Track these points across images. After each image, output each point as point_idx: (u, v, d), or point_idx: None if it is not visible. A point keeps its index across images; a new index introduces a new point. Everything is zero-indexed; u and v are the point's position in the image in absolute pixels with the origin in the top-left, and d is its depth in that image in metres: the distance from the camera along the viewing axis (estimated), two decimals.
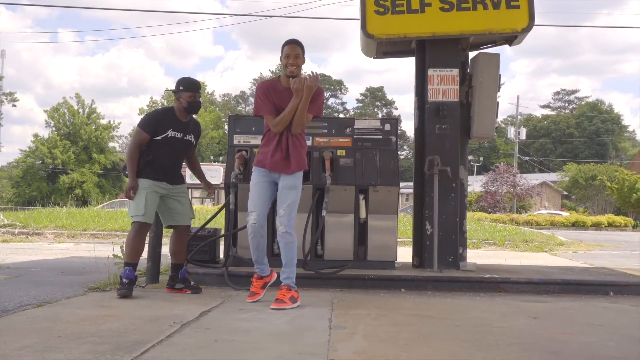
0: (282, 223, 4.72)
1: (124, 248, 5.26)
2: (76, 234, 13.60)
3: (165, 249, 6.17)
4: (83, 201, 33.37)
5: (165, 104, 64.05)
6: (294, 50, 4.73)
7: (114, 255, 5.77)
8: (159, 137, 5.14)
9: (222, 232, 6.38)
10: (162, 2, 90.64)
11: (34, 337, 3.42)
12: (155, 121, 5.21)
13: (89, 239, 13.00)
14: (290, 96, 4.69)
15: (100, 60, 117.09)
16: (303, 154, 4.87)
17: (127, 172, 5.15)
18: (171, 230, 5.47)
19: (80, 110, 56.83)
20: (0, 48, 64.28)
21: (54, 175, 53.86)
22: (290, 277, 4.73)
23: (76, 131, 55.21)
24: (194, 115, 5.44)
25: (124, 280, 4.99)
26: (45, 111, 57.77)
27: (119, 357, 2.97)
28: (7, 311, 4.26)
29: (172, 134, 5.18)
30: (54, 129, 56.44)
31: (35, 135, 56.51)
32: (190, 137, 5.34)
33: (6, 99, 64.41)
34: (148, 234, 5.58)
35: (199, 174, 5.65)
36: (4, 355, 2.95)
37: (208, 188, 5.78)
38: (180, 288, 5.31)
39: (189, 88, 5.22)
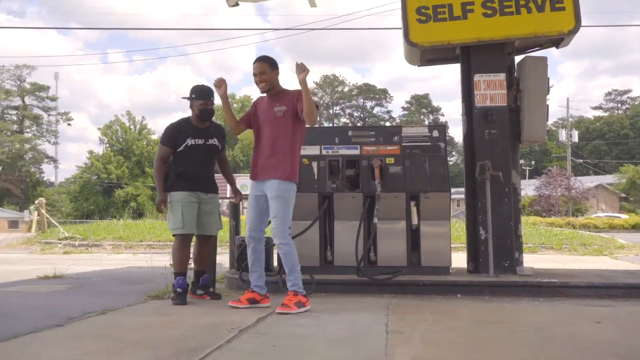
0: (275, 235, 4.79)
1: (171, 258, 5.38)
2: (133, 245, 13.94)
3: (220, 258, 6.30)
4: (138, 213, 34.12)
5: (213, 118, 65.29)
6: (259, 68, 4.91)
7: (170, 264, 5.85)
8: (181, 148, 5.26)
9: None
10: (206, 20, 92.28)
11: (99, 343, 3.53)
12: (171, 133, 5.33)
13: (146, 249, 13.30)
14: (265, 109, 4.94)
15: (149, 79, 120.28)
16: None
17: (166, 185, 5.30)
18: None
19: (132, 126, 58.61)
20: (54, 70, 66.86)
21: (110, 190, 55.58)
22: (296, 283, 4.78)
23: (129, 147, 56.91)
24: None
25: (178, 290, 5.14)
26: (99, 129, 59.99)
27: None
28: (72, 318, 4.40)
29: (191, 142, 5.27)
30: (107, 145, 58.37)
31: (90, 152, 58.65)
32: (214, 141, 5.41)
33: (61, 118, 66.90)
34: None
35: (229, 179, 5.80)
36: None
37: (235, 195, 5.86)
38: (201, 294, 5.43)
39: (200, 96, 5.33)
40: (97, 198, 55.29)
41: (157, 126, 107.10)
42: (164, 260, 6.76)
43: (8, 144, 60.82)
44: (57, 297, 5.76)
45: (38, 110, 65.19)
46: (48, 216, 17.09)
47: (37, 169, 65.00)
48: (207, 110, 5.35)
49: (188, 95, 5.39)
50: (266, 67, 4.90)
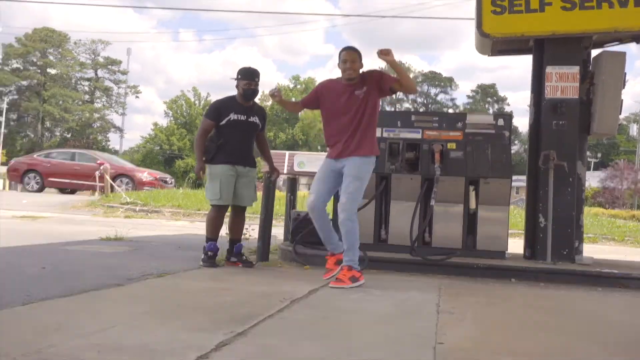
0: (343, 209, 4.80)
1: (206, 225, 5.70)
2: (191, 213, 14.26)
3: (275, 231, 6.38)
4: (197, 184, 34.92)
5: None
6: (351, 57, 4.93)
7: (226, 234, 6.00)
8: (224, 122, 5.50)
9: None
10: (276, 3, 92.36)
11: (156, 304, 3.66)
12: (216, 107, 5.61)
13: (202, 218, 13.53)
14: (341, 92, 4.94)
15: (217, 58, 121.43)
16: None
17: (207, 158, 5.55)
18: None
19: (197, 102, 59.83)
20: (127, 46, 68.58)
21: (171, 160, 57.04)
22: (352, 259, 4.80)
23: (192, 121, 58.23)
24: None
25: (209, 253, 5.53)
26: (165, 102, 61.48)
27: (232, 327, 3.07)
28: (131, 279, 4.56)
29: (234, 117, 5.51)
30: (171, 118, 59.99)
31: (155, 124, 60.42)
32: (255, 119, 5.63)
33: (130, 91, 68.77)
34: (259, 218, 5.97)
35: (267, 157, 6.01)
36: (130, 318, 3.17)
37: (273, 171, 6.05)
38: (234, 261, 5.66)
39: (245, 77, 5.57)
40: (158, 167, 56.71)
41: None
42: None
43: (79, 112, 63.19)
44: (118, 258, 5.97)
45: (109, 82, 67.31)
46: (112, 182, 17.65)
47: (104, 137, 67.19)
48: (250, 90, 5.57)
49: (235, 76, 5.63)
50: (356, 57, 4.95)
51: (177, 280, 4.69)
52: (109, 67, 66.40)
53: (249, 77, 5.57)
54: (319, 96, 5.13)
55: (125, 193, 16.63)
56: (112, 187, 17.48)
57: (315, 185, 5.05)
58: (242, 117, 5.55)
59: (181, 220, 13.20)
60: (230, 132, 5.50)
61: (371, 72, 5.02)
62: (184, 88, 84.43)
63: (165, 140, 57.11)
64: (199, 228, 9.87)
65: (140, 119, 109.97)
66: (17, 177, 20.54)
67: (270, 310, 3.58)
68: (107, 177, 17.40)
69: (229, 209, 5.67)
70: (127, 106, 69.51)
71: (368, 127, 4.93)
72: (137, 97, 72.78)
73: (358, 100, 4.91)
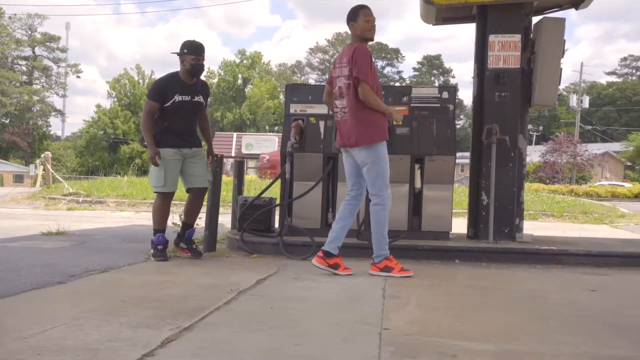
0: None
1: (152, 215, 5.50)
2: (137, 202, 14.01)
3: (222, 218, 6.32)
4: (143, 171, 34.19)
5: (222, 74, 64.76)
6: (373, 16, 4.78)
7: (173, 223, 5.93)
8: (168, 103, 5.27)
9: (278, 201, 6.45)
10: None
11: (100, 301, 3.58)
12: (161, 88, 5.34)
13: (149, 207, 13.29)
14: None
15: (161, 31, 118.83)
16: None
17: (144, 143, 5.34)
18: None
19: (141, 81, 58.18)
20: (65, 21, 66.05)
21: (116, 145, 55.62)
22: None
23: (136, 101, 56.61)
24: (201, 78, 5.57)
25: (159, 247, 5.30)
26: (107, 82, 59.50)
27: (179, 321, 3.06)
28: (74, 276, 4.46)
29: (179, 98, 5.29)
30: (115, 99, 58.14)
31: (98, 106, 58.40)
32: (199, 98, 5.44)
33: (71, 70, 66.58)
34: (205, 204, 5.77)
35: (207, 138, 5.76)
36: (73, 317, 3.10)
37: (209, 155, 5.69)
38: (183, 248, 5.53)
39: (193, 51, 5.32)
40: (102, 154, 55.44)
41: None
42: None
43: (17, 95, 60.67)
44: (60, 253, 5.82)
45: (48, 61, 64.81)
46: (53, 171, 17.15)
47: (45, 122, 65.04)
48: (198, 65, 5.36)
49: (179, 51, 5.38)
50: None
51: (122, 275, 4.61)
52: (47, 44, 63.91)
53: (196, 51, 5.33)
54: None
55: (67, 183, 16.19)
56: (53, 177, 16.99)
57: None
58: (187, 98, 5.32)
59: (126, 211, 12.95)
60: (174, 114, 5.29)
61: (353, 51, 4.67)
62: (127, 65, 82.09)
63: (109, 124, 55.45)
64: (145, 218, 9.70)
65: (82, 101, 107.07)
66: None
67: (217, 302, 3.58)
68: (49, 166, 16.89)
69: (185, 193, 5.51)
70: (68, 87, 67.45)
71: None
72: (78, 77, 70.74)
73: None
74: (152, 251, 5.37)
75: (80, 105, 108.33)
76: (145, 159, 52.28)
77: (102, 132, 56.54)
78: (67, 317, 3.11)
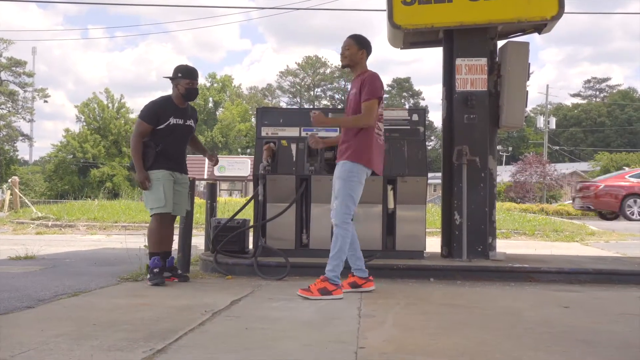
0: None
1: (147, 239, 5.36)
2: (108, 226, 13.81)
3: (195, 240, 6.26)
4: (114, 194, 33.81)
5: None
6: (345, 43, 4.93)
7: (145, 246, 5.84)
8: (162, 126, 5.23)
9: (251, 223, 6.43)
10: None
11: (70, 325, 3.51)
12: (155, 111, 5.29)
13: (120, 230, 13.20)
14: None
15: (130, 56, 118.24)
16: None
17: (132, 167, 5.25)
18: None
19: (110, 105, 57.69)
20: (32, 45, 65.31)
21: (85, 169, 54.86)
22: (334, 270, 4.76)
23: (106, 125, 56.07)
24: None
25: (155, 270, 5.15)
26: (76, 106, 58.82)
27: (152, 344, 3.02)
28: (43, 300, 4.37)
29: (174, 121, 5.28)
30: (84, 123, 57.43)
31: (67, 130, 57.63)
32: (190, 122, 5.45)
33: (38, 95, 65.65)
34: (179, 227, 5.71)
35: (201, 148, 5.81)
36: (42, 342, 3.03)
37: (211, 158, 5.74)
38: (168, 276, 5.34)
39: (188, 75, 5.32)
40: (72, 178, 54.56)
41: (136, 105, 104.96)
42: (138, 241, 6.71)
43: None
44: (29, 278, 5.69)
45: (14, 86, 63.78)
46: (21, 195, 16.84)
47: (12, 146, 63.78)
48: (193, 90, 5.36)
49: (172, 75, 5.35)
50: (352, 44, 4.89)
51: (93, 299, 4.53)
52: (13, 68, 62.88)
53: (191, 75, 5.32)
54: None
55: (36, 207, 15.90)
56: (21, 202, 16.68)
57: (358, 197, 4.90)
58: (180, 121, 5.31)
59: (97, 234, 12.75)
60: (167, 137, 5.24)
61: (365, 78, 4.82)
62: (96, 89, 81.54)
63: (79, 148, 54.71)
64: (116, 241, 9.58)
65: (50, 126, 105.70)
66: None
67: (191, 324, 3.54)
68: (17, 190, 16.59)
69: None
70: (35, 112, 66.33)
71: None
72: (45, 101, 69.51)
73: (351, 102, 4.89)
74: (148, 275, 5.24)
75: (48, 129, 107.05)
76: (116, 182, 51.79)
77: (72, 156, 55.73)
78: (36, 342, 3.05)
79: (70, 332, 3.32)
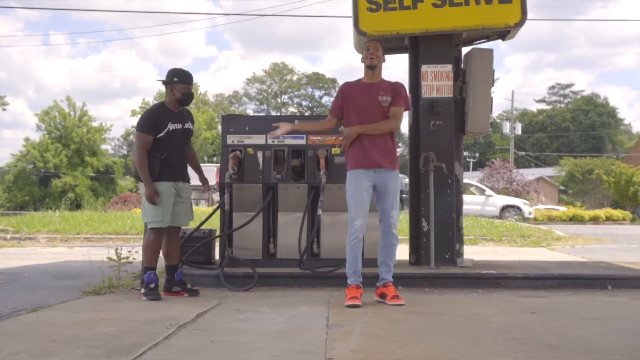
0: (394, 226, 4.91)
1: (142, 252, 5.21)
2: (70, 238, 13.48)
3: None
4: (76, 205, 33.08)
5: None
6: (374, 47, 4.95)
7: (108, 258, 5.73)
8: (162, 134, 5.09)
9: (217, 233, 6.34)
10: (154, 2, 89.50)
11: (29, 342, 3.40)
12: (153, 120, 5.15)
13: (83, 242, 12.91)
14: (366, 95, 4.91)
15: (92, 62, 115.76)
16: None
17: (140, 178, 5.08)
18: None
19: (72, 113, 56.39)
20: None
21: (46, 179, 53.51)
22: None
23: (68, 134, 54.76)
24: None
25: (150, 285, 5.02)
26: (36, 114, 57.29)
27: None
28: (1, 317, 4.22)
29: (172, 126, 5.15)
30: (45, 132, 55.90)
31: (27, 139, 55.99)
32: (189, 125, 5.33)
33: None
34: (144, 238, 5.56)
35: (196, 166, 5.59)
36: None
37: (204, 184, 5.60)
38: (178, 291, 5.22)
39: (183, 80, 5.23)
40: (32, 188, 53.21)
41: (100, 112, 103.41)
42: (101, 254, 6.55)
43: None
44: None
45: None
46: None
47: None
48: (189, 94, 5.27)
49: (166, 79, 5.24)
50: (380, 51, 4.96)
51: (53, 314, 4.39)
52: None
53: (187, 80, 5.23)
54: (342, 100, 4.99)
55: None
56: None
57: (359, 206, 4.82)
58: (179, 126, 5.19)
59: (59, 247, 12.42)
60: (169, 144, 5.09)
61: (392, 86, 4.97)
62: (58, 97, 79.64)
63: (39, 158, 53.36)
64: (79, 254, 9.36)
65: (9, 134, 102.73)
66: None
67: (155, 338, 3.47)
68: None
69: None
70: None
71: (392, 140, 4.95)
72: (4, 109, 67.70)
73: (383, 108, 4.88)
74: (142, 290, 5.07)
75: (7, 138, 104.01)
76: (79, 192, 50.75)
77: (32, 165, 54.36)
78: None
79: (30, 349, 3.22)
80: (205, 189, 5.62)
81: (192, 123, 5.43)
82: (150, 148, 5.07)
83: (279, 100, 79.77)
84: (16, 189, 53.46)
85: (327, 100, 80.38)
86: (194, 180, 5.51)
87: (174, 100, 5.22)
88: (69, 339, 3.45)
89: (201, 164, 5.80)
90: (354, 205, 4.82)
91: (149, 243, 5.12)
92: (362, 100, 4.91)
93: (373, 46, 4.95)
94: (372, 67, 4.92)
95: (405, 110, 4.99)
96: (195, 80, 5.48)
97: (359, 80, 5.05)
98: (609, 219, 29.25)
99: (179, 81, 5.20)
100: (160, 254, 5.24)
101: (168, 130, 5.11)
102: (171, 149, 5.12)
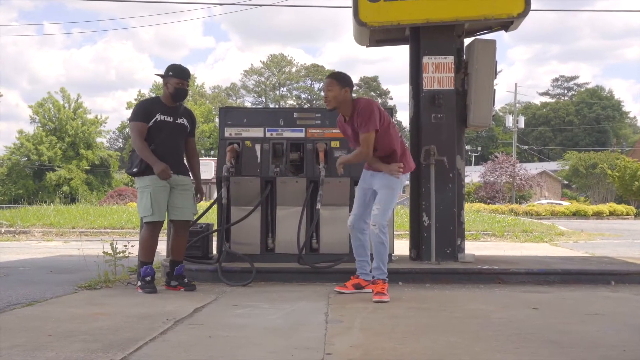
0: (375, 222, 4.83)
1: (138, 246, 5.15)
2: (65, 232, 13.42)
3: (158, 246, 6.07)
4: (71, 198, 32.94)
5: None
6: (326, 84, 4.84)
7: (104, 252, 5.67)
8: (150, 123, 5.06)
9: (215, 227, 6.27)
10: None
11: (24, 336, 3.35)
12: (144, 108, 5.15)
13: (78, 236, 12.84)
14: (349, 129, 4.94)
15: (88, 53, 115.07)
16: None
17: (134, 171, 5.05)
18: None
19: (66, 105, 55.89)
20: None
21: (41, 172, 53.10)
22: (385, 271, 4.81)
23: (62, 127, 54.28)
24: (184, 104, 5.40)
25: (147, 278, 5.01)
26: (30, 106, 56.81)
27: (111, 354, 2.91)
28: None
29: (161, 117, 5.09)
30: (39, 124, 55.35)
31: (20, 132, 55.44)
32: (182, 121, 5.25)
33: None
34: (140, 233, 5.51)
35: (195, 172, 5.49)
36: None
37: (197, 192, 5.52)
38: (175, 285, 5.20)
39: (178, 75, 5.17)
40: (26, 182, 52.87)
41: (95, 104, 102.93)
42: (96, 248, 6.49)
43: None
44: None
45: None
46: None
47: None
48: (181, 90, 5.19)
49: (163, 73, 5.21)
50: (334, 83, 4.79)
51: (48, 308, 4.33)
52: None
53: (182, 75, 5.16)
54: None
55: None
56: None
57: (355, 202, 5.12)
58: (169, 119, 5.12)
59: (54, 241, 12.35)
60: (157, 136, 5.04)
61: (358, 110, 4.77)
62: (52, 88, 79.07)
63: (34, 150, 52.86)
64: (74, 248, 9.29)
65: (3, 127, 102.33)
66: None
67: (152, 333, 3.42)
68: None
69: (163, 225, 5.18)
70: None
71: (390, 152, 4.92)
72: None
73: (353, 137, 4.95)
74: (138, 283, 5.05)
75: (1, 130, 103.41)
76: (74, 185, 50.50)
77: (26, 158, 53.98)
78: None
79: (25, 343, 3.17)
80: (198, 199, 5.51)
81: (192, 122, 5.38)
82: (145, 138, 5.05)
83: (277, 92, 79.46)
84: (10, 182, 53.18)
85: None
86: None
87: (168, 95, 5.18)
88: (64, 334, 3.40)
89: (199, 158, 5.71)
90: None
91: (143, 238, 5.10)
92: (348, 134, 5.02)
93: (325, 86, 4.86)
94: (331, 110, 4.93)
95: (367, 132, 4.74)
96: (192, 72, 5.42)
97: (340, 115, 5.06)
98: (613, 214, 29.23)
99: (174, 75, 5.16)
100: (159, 248, 5.20)
101: (155, 120, 5.07)
102: (160, 140, 5.07)
